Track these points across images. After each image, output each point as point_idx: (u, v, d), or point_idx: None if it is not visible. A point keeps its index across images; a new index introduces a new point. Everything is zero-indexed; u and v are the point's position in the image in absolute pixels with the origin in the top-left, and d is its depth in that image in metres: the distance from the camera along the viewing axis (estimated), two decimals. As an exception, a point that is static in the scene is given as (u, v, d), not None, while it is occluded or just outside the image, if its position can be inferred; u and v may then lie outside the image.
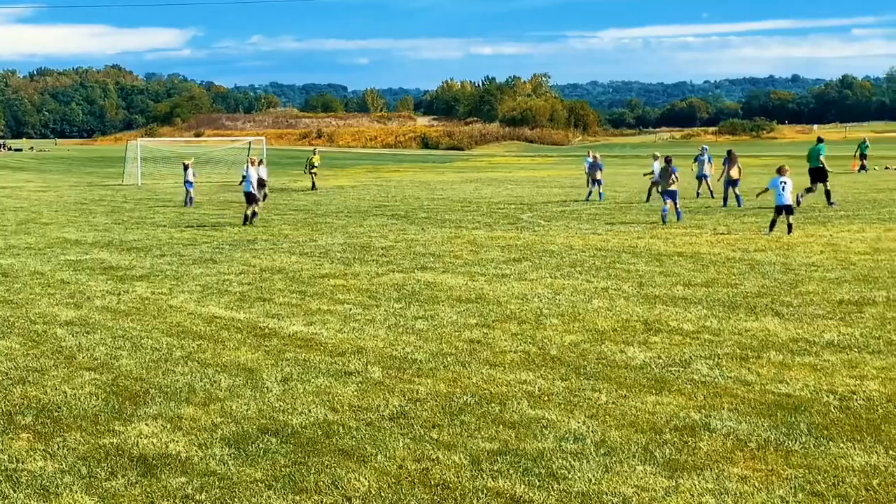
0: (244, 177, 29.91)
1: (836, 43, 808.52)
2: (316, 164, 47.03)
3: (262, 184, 32.94)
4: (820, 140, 33.56)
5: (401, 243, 22.71)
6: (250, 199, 28.49)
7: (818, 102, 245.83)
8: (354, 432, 8.42)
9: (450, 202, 36.92)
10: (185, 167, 37.22)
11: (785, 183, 22.90)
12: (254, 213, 28.28)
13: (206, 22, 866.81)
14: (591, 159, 36.95)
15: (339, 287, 16.27)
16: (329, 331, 12.69)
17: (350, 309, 14.22)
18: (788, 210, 23.02)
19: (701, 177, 36.21)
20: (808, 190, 31.32)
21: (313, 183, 46.59)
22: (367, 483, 7.24)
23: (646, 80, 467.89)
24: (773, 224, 23.30)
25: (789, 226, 22.85)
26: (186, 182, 36.95)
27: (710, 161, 36.42)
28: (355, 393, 9.70)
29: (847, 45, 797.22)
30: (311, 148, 72.56)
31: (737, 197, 31.40)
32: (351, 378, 10.26)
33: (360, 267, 18.68)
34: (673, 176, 26.49)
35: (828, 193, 31.37)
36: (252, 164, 30.14)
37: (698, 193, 35.95)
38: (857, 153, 54.86)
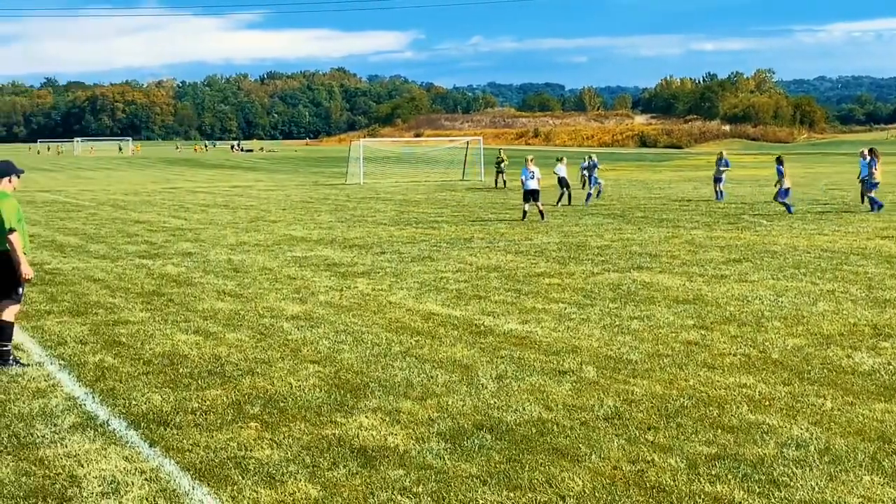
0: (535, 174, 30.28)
1: None
2: (503, 162, 48.34)
3: (563, 182, 34.56)
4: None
5: (617, 243, 22.52)
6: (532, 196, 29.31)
7: None
8: (569, 431, 8.41)
9: (667, 201, 36.37)
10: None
11: None
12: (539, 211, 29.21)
13: (427, 24, 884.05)
14: (586, 163, 37.25)
15: (553, 286, 16.27)
16: (543, 329, 12.71)
17: (565, 308, 14.20)
18: None
19: None
20: None
21: (496, 181, 47.94)
22: (581, 483, 7.22)
23: (878, 75, 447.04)
24: None
25: None
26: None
27: None
28: (569, 392, 9.68)
29: None
30: (497, 148, 73.54)
31: None
32: (565, 377, 10.25)
33: (575, 266, 18.63)
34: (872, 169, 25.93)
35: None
36: (530, 161, 30.87)
37: None
38: None
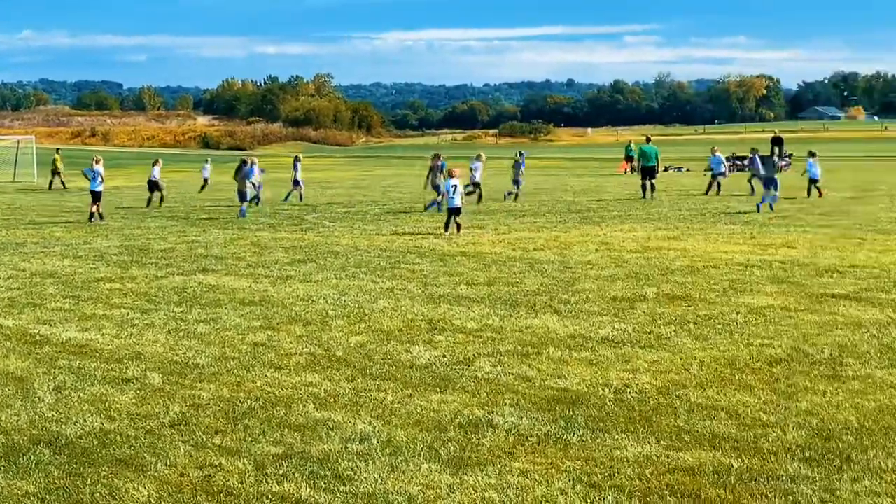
0: (89, 175, 29.11)
1: (609, 49, 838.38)
2: (59, 166, 46.74)
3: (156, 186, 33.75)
4: (649, 140, 35.94)
5: (181, 245, 22.18)
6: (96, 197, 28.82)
7: (592, 106, 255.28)
8: (133, 441, 8.15)
9: (232, 203, 36.33)
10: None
11: (455, 186, 24.21)
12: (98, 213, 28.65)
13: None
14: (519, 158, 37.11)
15: (115, 291, 15.74)
16: (105, 337, 12.25)
17: (127, 314, 13.77)
18: (457, 212, 24.21)
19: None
20: (648, 189, 35.26)
21: (50, 183, 46.32)
22: (146, 492, 7.01)
23: (428, 83, 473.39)
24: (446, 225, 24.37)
25: (458, 225, 24.11)
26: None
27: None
28: (133, 400, 9.39)
29: (619, 51, 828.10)
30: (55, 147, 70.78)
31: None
32: (129, 385, 9.93)
33: (137, 270, 18.13)
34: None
35: (653, 187, 35.16)
36: (97, 162, 29.70)
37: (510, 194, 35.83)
38: (625, 156, 57.01)
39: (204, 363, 10.84)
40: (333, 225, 26.93)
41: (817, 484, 7.02)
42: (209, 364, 10.80)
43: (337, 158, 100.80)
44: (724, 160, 38.75)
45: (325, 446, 7.97)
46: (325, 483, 7.18)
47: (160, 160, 36.02)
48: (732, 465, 7.39)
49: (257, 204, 33.86)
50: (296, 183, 36.53)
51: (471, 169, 34.35)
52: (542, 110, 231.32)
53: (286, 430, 8.41)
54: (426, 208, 31.46)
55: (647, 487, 7.02)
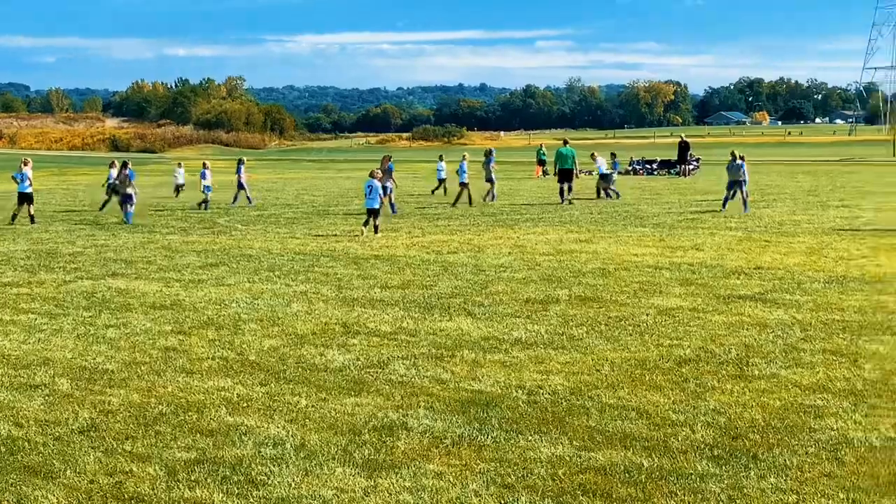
0: (17, 178, 28.55)
1: (521, 54, 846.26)
2: None
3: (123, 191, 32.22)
4: (566, 143, 36.02)
5: (90, 249, 21.82)
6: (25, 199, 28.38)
7: (504, 110, 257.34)
8: (41, 448, 8.00)
9: (142, 206, 35.83)
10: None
11: (371, 187, 24.38)
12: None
13: None
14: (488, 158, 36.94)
15: (22, 296, 15.43)
16: (12, 342, 12.00)
17: (35, 319, 13.52)
18: (375, 213, 24.38)
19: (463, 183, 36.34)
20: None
21: None
22: (55, 500, 6.90)
23: (342, 86, 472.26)
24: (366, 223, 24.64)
25: (375, 227, 24.31)
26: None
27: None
28: (42, 407, 9.22)
29: (531, 56, 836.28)
30: None
31: None
32: (37, 391, 9.75)
33: (45, 274, 17.79)
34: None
35: (570, 189, 34.82)
36: (25, 164, 29.01)
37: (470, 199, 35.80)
38: (537, 159, 57.31)
39: (114, 368, 10.69)
40: (246, 228, 26.72)
41: (725, 482, 7.17)
42: (119, 369, 10.65)
43: (249, 161, 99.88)
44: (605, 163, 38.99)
45: (238, 451, 7.92)
46: (237, 488, 7.14)
47: (116, 163, 35.32)
48: (643, 464, 7.52)
49: (206, 209, 33.73)
50: (240, 186, 36.26)
51: (457, 172, 34.81)
52: (455, 114, 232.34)
53: (198, 435, 8.34)
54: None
55: (560, 487, 7.10)
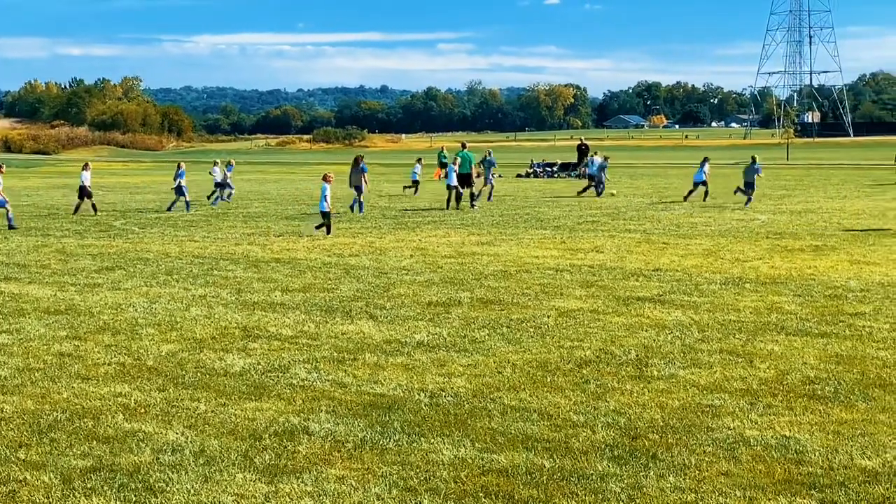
0: None
1: (423, 56, 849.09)
2: None
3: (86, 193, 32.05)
4: (464, 146, 35.93)
5: (-19, 253, 21.22)
6: None
7: (406, 113, 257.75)
8: (-71, 458, 7.75)
9: (35, 209, 35.02)
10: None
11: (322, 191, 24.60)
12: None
13: None
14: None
15: None
16: None
17: (-78, 324, 13.10)
18: (325, 216, 24.64)
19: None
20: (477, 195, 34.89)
21: None
22: (-56, 513, 6.69)
23: (241, 87, 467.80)
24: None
25: (327, 227, 24.68)
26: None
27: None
28: (-71, 415, 8.93)
29: (432, 58, 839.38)
30: None
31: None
32: (-76, 400, 9.44)
33: (-67, 279, 17.26)
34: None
35: (471, 194, 34.21)
36: None
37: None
38: (438, 162, 57.40)
39: (6, 374, 10.41)
40: (143, 231, 26.27)
41: (625, 481, 7.26)
42: (12, 375, 10.38)
43: (146, 163, 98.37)
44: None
45: (136, 458, 7.77)
46: (135, 496, 7.00)
47: (90, 164, 34.30)
48: (545, 465, 7.57)
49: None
50: (225, 185, 37.13)
51: (447, 174, 35.04)
52: (356, 116, 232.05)
53: (94, 442, 8.16)
54: (350, 208, 32.23)
55: (462, 490, 7.12)
